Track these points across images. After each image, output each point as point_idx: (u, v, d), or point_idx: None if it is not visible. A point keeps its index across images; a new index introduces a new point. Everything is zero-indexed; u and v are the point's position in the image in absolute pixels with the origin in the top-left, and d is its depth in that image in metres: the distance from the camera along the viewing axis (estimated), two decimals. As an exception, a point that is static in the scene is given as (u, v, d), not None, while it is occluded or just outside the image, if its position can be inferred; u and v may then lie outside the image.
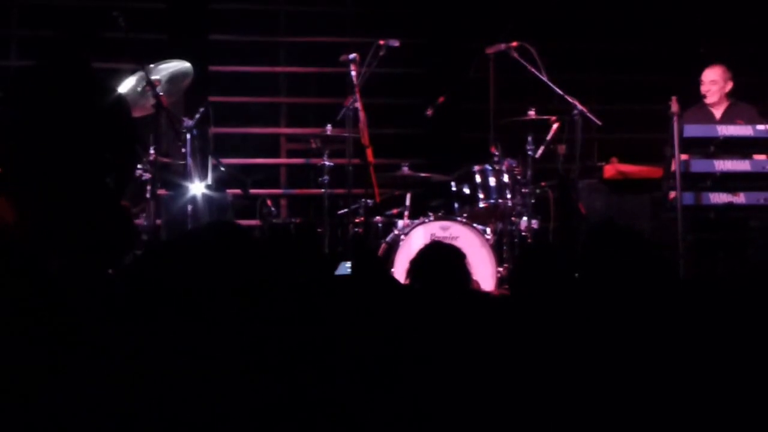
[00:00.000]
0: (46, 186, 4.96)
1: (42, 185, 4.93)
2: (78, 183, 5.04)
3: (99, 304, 2.46)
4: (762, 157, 6.73)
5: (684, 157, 6.61)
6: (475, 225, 6.85)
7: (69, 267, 4.89)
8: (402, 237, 6.76)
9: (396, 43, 7.00)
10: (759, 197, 6.59)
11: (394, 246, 6.78)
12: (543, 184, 7.23)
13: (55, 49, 5.23)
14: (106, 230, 5.05)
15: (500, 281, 6.68)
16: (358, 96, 6.69)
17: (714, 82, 7.36)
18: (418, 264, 3.10)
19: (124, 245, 5.26)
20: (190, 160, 6.53)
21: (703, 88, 7.38)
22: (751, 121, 6.91)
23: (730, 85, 7.38)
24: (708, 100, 7.38)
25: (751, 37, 9.26)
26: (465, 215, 6.99)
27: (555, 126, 7.06)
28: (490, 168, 7.04)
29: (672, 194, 6.61)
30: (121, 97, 5.33)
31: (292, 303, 2.63)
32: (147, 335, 2.32)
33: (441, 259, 3.07)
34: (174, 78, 6.33)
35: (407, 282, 3.17)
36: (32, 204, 4.90)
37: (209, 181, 6.52)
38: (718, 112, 7.39)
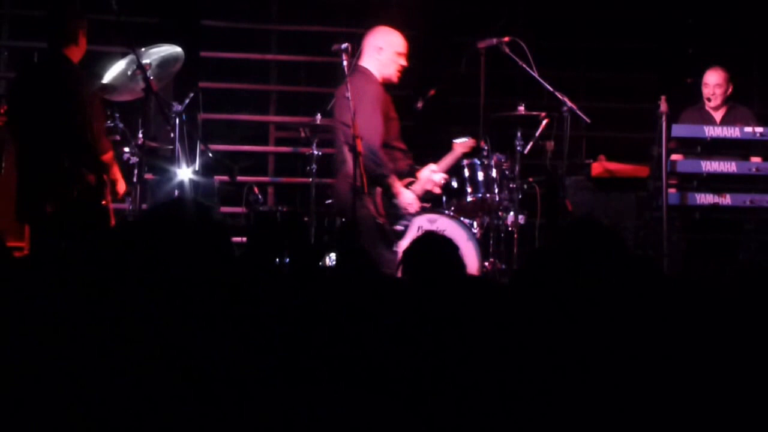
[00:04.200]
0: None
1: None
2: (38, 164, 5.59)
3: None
4: (757, 159, 6.77)
5: (671, 156, 6.65)
6: (462, 219, 6.86)
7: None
8: (389, 228, 6.76)
9: (388, 35, 6.97)
10: (745, 199, 6.63)
11: (380, 237, 6.77)
12: (530, 179, 7.23)
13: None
14: (67, 209, 5.23)
15: (485, 276, 6.69)
16: (348, 86, 6.66)
17: (719, 85, 7.27)
18: (411, 255, 3.08)
19: (86, 223, 5.43)
20: (178, 146, 6.51)
21: (708, 92, 7.30)
22: (749, 125, 6.92)
23: (731, 89, 7.34)
24: (712, 104, 7.30)
25: (738, 38, 9.29)
26: (452, 208, 7.00)
27: (544, 122, 7.07)
28: (478, 162, 7.04)
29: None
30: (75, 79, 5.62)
31: (276, 293, 2.61)
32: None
33: (435, 250, 3.05)
34: (164, 62, 6.30)
35: (400, 273, 3.15)
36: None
37: (196, 166, 6.50)
38: (718, 116, 7.34)
